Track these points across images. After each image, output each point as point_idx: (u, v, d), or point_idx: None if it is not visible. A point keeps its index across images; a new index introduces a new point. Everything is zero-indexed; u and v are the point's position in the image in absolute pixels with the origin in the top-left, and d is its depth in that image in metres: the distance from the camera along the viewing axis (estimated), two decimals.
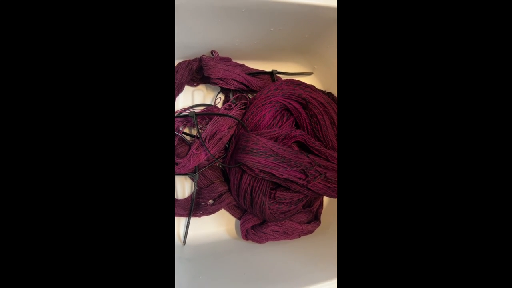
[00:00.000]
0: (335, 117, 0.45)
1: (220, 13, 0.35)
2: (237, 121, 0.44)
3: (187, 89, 0.48)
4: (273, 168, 0.39)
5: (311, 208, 0.50)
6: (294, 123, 0.46)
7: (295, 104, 0.44)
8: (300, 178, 0.41)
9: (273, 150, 0.39)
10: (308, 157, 0.41)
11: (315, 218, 0.50)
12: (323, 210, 0.52)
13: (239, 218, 0.48)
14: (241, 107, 0.45)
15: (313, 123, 0.45)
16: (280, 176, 0.40)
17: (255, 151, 0.38)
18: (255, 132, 0.42)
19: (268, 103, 0.43)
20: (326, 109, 0.45)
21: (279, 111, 0.44)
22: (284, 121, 0.44)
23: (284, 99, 0.43)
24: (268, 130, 0.41)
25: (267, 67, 0.51)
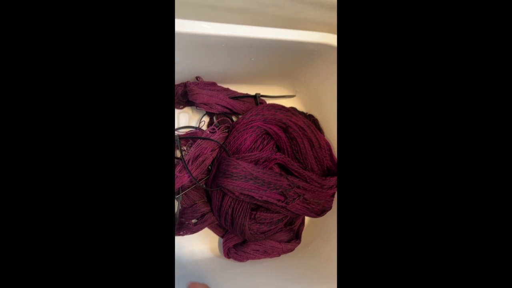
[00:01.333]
0: (314, 140, 0.48)
1: (200, 48, 0.37)
2: (220, 145, 0.46)
3: None
4: (253, 191, 0.41)
5: (292, 226, 0.52)
6: (274, 145, 0.48)
7: (275, 129, 0.46)
8: (279, 200, 0.43)
9: (252, 174, 0.41)
10: (287, 179, 0.43)
11: (296, 236, 0.51)
12: (304, 227, 0.54)
13: (222, 236, 0.49)
14: (224, 130, 0.47)
15: (293, 146, 0.47)
16: (260, 199, 0.42)
17: (235, 175, 0.40)
18: (235, 156, 0.44)
19: (249, 128, 0.45)
20: (306, 133, 0.47)
21: (259, 136, 0.46)
22: (265, 144, 0.46)
23: (265, 124, 0.46)
24: (249, 154, 0.43)
25: (251, 90, 0.53)
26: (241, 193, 0.42)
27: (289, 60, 0.45)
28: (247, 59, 0.43)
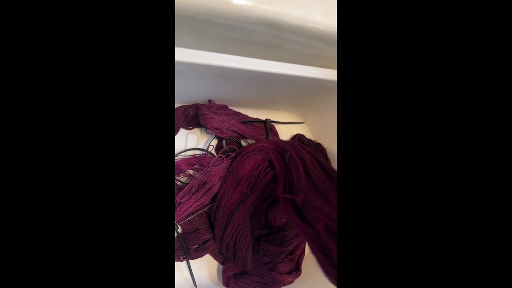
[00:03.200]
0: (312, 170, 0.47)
1: (220, 77, 0.36)
2: (228, 168, 0.45)
3: (182, 132, 0.49)
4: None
5: (293, 256, 0.51)
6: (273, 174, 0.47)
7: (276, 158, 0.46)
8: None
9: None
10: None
11: (296, 268, 0.51)
12: (304, 257, 0.53)
13: (222, 263, 0.48)
14: (232, 157, 0.46)
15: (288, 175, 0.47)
16: None
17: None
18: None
19: (252, 155, 0.44)
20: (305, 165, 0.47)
21: (261, 163, 0.45)
22: (267, 171, 0.45)
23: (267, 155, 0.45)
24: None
25: (261, 114, 0.53)
26: None
27: (303, 92, 0.45)
28: (264, 89, 0.42)
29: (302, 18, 0.30)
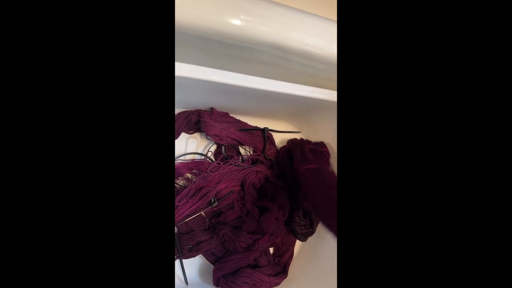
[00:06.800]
0: None
1: (224, 92, 0.38)
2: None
3: (183, 135, 0.50)
4: None
5: (281, 258, 0.54)
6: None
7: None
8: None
9: None
10: None
11: (283, 271, 0.53)
12: (292, 261, 0.56)
13: (213, 263, 0.51)
14: (231, 163, 0.48)
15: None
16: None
17: None
18: None
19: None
20: None
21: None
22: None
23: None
24: None
25: (260, 122, 0.55)
26: None
27: (302, 107, 0.47)
28: (265, 103, 0.44)
29: (306, 44, 0.32)
